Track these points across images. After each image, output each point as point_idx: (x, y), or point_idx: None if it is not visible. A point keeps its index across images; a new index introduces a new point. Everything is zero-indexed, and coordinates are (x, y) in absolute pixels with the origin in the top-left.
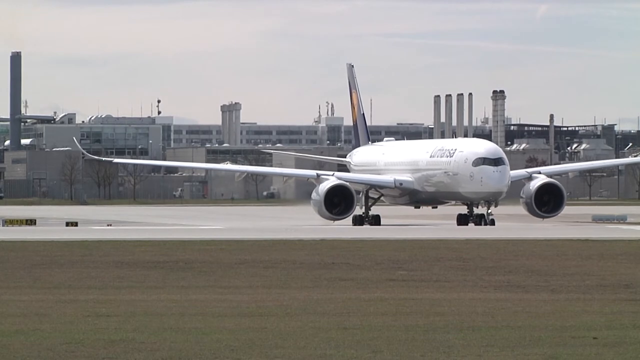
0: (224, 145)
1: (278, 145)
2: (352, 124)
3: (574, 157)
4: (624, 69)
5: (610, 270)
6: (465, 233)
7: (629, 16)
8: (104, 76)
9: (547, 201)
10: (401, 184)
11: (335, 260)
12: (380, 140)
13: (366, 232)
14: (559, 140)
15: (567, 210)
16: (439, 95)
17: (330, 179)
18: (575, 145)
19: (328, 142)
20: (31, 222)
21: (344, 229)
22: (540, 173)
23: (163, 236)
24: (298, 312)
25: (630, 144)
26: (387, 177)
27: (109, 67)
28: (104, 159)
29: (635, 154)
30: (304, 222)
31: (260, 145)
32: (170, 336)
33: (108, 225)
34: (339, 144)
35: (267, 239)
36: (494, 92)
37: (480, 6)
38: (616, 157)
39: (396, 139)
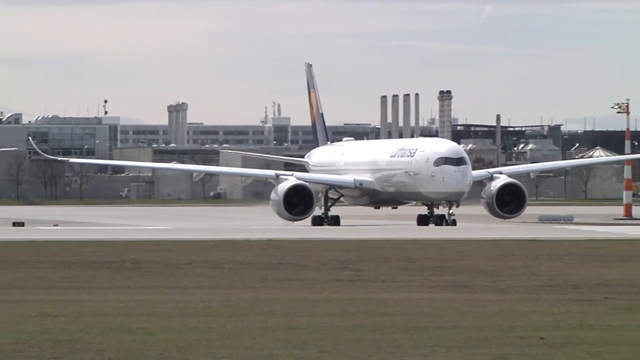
0: (171, 145)
1: (225, 145)
2: (299, 125)
3: (520, 157)
4: (571, 70)
5: (557, 271)
6: (412, 233)
7: (577, 17)
8: (51, 76)
9: (509, 202)
10: (361, 184)
11: (282, 261)
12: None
13: (314, 232)
14: (505, 140)
15: None
16: (385, 96)
17: (290, 179)
18: (522, 146)
19: (275, 142)
20: None
21: (291, 229)
22: (501, 173)
23: (110, 236)
24: (245, 312)
25: (577, 144)
26: (347, 177)
27: (55, 67)
28: (59, 158)
29: (581, 154)
30: (256, 223)
31: (207, 145)
32: (117, 336)
33: (55, 225)
34: (285, 145)
35: (213, 239)
36: (441, 92)
37: (427, 6)
38: (563, 158)
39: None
